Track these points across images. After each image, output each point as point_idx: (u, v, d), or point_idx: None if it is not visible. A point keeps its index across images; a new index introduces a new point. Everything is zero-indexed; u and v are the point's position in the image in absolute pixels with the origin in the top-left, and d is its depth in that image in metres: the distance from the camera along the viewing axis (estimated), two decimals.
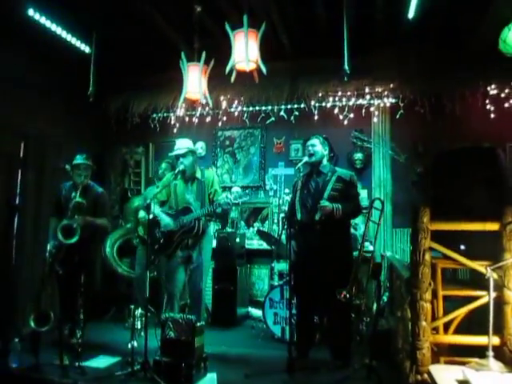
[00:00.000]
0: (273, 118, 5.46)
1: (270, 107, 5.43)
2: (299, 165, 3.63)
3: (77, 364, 3.30)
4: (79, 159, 3.86)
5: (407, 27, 4.28)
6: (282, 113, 5.38)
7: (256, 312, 5.03)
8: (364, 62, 4.66)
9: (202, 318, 3.82)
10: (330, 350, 3.56)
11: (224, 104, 5.42)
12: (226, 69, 3.41)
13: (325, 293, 3.43)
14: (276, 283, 4.50)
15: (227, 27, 3.40)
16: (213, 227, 5.46)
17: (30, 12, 4.09)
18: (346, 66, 3.87)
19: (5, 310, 3.93)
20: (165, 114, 5.70)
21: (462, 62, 4.62)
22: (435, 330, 2.64)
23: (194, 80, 3.77)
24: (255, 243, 5.54)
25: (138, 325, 4.35)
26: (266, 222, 5.68)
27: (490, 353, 2.38)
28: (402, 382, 2.78)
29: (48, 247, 3.72)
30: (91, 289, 4.23)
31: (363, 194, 5.10)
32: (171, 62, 4.02)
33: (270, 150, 5.79)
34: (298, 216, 3.61)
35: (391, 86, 4.93)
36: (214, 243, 5.07)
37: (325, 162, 3.68)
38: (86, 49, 4.73)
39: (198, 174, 3.96)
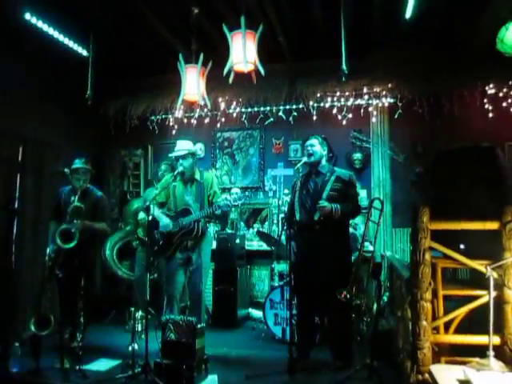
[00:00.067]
0: (271, 119, 5.47)
1: (268, 108, 5.43)
2: (298, 165, 3.63)
3: (77, 367, 3.30)
4: (78, 163, 3.85)
5: (405, 27, 4.28)
6: (280, 113, 5.39)
7: (256, 313, 5.03)
8: (362, 62, 4.67)
9: (203, 319, 3.82)
10: (330, 351, 3.56)
11: (222, 105, 5.43)
12: (224, 70, 3.41)
13: (325, 293, 3.42)
14: (276, 284, 4.50)
15: (225, 28, 3.39)
16: (212, 229, 5.48)
17: (27, 16, 4.08)
18: (344, 67, 3.88)
19: (5, 313, 3.92)
20: (163, 116, 5.70)
21: (459, 62, 4.62)
22: (436, 329, 2.64)
23: (192, 82, 3.77)
24: (255, 244, 5.54)
25: (139, 327, 4.36)
26: (266, 222, 5.68)
27: (491, 352, 2.38)
28: (403, 381, 2.78)
29: (47, 251, 3.71)
30: (91, 292, 4.23)
31: (362, 193, 5.10)
32: (169, 64, 4.02)
33: (269, 151, 5.79)
34: (298, 216, 3.60)
35: (389, 85, 4.94)
36: (214, 244, 5.07)
37: (324, 162, 3.68)
38: (84, 52, 4.73)
39: (197, 176, 3.96)
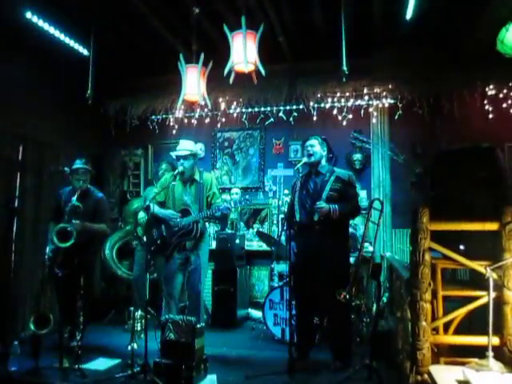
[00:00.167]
0: (272, 119, 5.47)
1: (268, 108, 5.44)
2: (298, 165, 3.63)
3: (77, 367, 3.30)
4: (78, 163, 3.86)
5: (405, 28, 4.29)
6: (280, 114, 5.39)
7: (256, 313, 5.03)
8: (362, 62, 4.67)
9: (202, 319, 3.82)
10: (330, 351, 3.56)
11: (223, 105, 5.43)
12: (225, 70, 3.42)
13: (325, 293, 3.42)
14: (276, 284, 4.50)
15: (225, 29, 3.40)
16: (212, 229, 5.48)
17: (28, 15, 4.09)
18: (345, 67, 3.88)
19: (4, 313, 3.93)
20: (164, 116, 5.71)
21: (459, 63, 4.62)
22: (435, 330, 2.64)
23: (193, 82, 3.78)
24: (255, 244, 5.54)
25: (138, 327, 4.35)
26: (266, 223, 5.68)
27: (490, 353, 2.38)
28: (403, 382, 2.78)
29: (46, 251, 3.71)
30: (91, 291, 4.24)
31: (362, 194, 5.10)
32: (170, 64, 4.03)
33: (269, 151, 5.79)
34: (298, 217, 3.60)
35: (389, 86, 4.94)
36: (214, 245, 5.08)
37: (323, 162, 3.68)
38: (85, 51, 4.73)
39: (197, 176, 3.96)
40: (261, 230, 5.56)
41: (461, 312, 2.63)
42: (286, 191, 5.47)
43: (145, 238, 3.96)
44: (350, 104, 5.14)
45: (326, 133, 4.34)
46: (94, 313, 4.34)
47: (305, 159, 3.62)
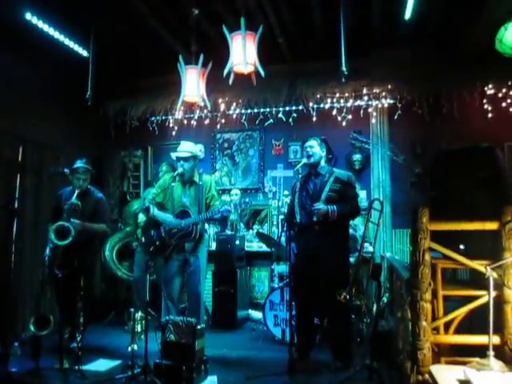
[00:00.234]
0: (271, 120, 5.47)
1: (268, 109, 5.43)
2: (298, 166, 3.63)
3: (77, 368, 3.29)
4: (79, 163, 3.87)
5: (404, 28, 4.29)
6: (280, 115, 5.39)
7: (256, 314, 5.03)
8: (361, 63, 4.67)
9: (202, 320, 3.82)
10: (330, 351, 3.56)
11: (222, 106, 5.43)
12: (224, 71, 3.42)
13: (325, 294, 3.42)
14: (276, 285, 4.50)
15: (225, 30, 3.40)
16: (212, 230, 5.48)
17: (28, 16, 4.09)
18: (344, 68, 3.88)
19: (4, 314, 3.92)
20: (163, 117, 5.71)
21: (459, 63, 4.62)
22: (436, 330, 2.64)
23: (192, 83, 3.78)
24: (255, 245, 5.55)
25: (138, 328, 4.35)
26: (266, 224, 5.68)
27: (491, 352, 2.38)
28: (403, 382, 2.78)
29: (46, 251, 3.71)
30: (91, 292, 4.23)
31: (362, 194, 5.10)
32: (169, 65, 4.02)
33: (269, 152, 5.80)
34: (298, 218, 3.61)
35: (389, 86, 4.94)
36: (214, 246, 5.09)
37: (323, 163, 3.68)
38: (84, 52, 4.73)
39: (196, 178, 3.96)
40: (261, 230, 5.55)
41: (461, 311, 2.63)
42: (286, 192, 5.47)
43: (143, 239, 3.96)
44: (349, 104, 5.14)
45: (326, 133, 4.35)
46: (94, 314, 4.34)
47: (304, 160, 3.63)
